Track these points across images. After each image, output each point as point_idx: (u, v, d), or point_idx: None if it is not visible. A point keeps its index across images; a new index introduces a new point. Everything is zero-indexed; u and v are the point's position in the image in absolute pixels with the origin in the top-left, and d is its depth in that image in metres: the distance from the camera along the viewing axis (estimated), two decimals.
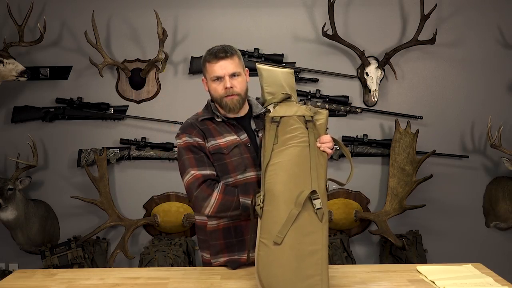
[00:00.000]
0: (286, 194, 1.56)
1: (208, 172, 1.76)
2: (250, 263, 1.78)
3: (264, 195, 1.59)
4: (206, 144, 1.79)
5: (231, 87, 1.75)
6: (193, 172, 1.75)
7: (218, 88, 1.77)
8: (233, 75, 1.77)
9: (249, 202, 1.70)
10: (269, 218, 1.57)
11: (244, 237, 1.81)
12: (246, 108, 1.86)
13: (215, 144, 1.79)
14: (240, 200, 1.72)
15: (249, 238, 1.74)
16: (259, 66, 1.76)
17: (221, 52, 1.76)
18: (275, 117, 1.66)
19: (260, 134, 1.81)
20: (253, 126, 1.85)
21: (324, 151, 1.64)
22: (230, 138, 1.80)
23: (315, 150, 1.62)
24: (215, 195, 1.72)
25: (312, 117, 1.67)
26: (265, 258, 1.55)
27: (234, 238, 1.82)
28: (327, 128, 1.71)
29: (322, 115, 1.69)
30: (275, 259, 1.53)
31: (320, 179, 1.60)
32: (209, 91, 1.83)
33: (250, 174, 1.79)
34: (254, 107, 1.86)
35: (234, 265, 1.83)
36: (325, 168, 1.64)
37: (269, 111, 1.69)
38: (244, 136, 1.81)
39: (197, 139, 1.79)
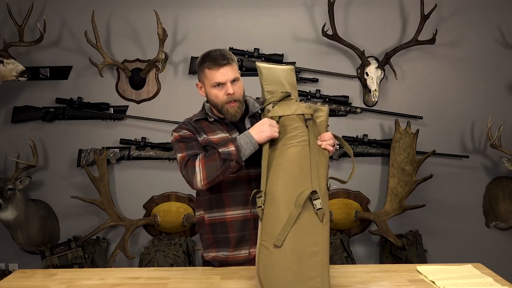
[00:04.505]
0: (286, 195, 1.55)
1: (195, 151, 1.75)
2: (233, 263, 1.82)
3: (265, 197, 1.58)
4: (198, 137, 1.81)
5: (233, 92, 1.76)
6: (179, 155, 1.76)
7: (220, 94, 1.77)
8: (233, 80, 1.77)
9: (230, 149, 1.66)
10: (269, 220, 1.56)
11: (229, 234, 1.82)
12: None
13: (206, 138, 1.81)
14: (220, 151, 1.68)
15: (233, 237, 1.79)
16: (259, 64, 1.75)
17: (222, 59, 1.75)
18: (274, 117, 1.66)
19: None
20: (248, 125, 1.84)
21: (325, 149, 1.63)
22: (222, 135, 1.82)
23: (316, 149, 1.61)
24: (197, 163, 1.70)
25: (311, 115, 1.65)
26: (266, 261, 1.54)
27: (219, 234, 1.84)
28: (328, 125, 1.70)
29: (322, 112, 1.68)
30: (275, 262, 1.52)
31: (320, 178, 1.58)
32: (207, 96, 1.83)
33: (241, 173, 1.77)
34: (251, 106, 1.87)
35: (217, 263, 1.85)
36: (326, 167, 1.63)
37: (268, 110, 1.68)
38: (236, 135, 1.81)
39: (187, 132, 1.81)
